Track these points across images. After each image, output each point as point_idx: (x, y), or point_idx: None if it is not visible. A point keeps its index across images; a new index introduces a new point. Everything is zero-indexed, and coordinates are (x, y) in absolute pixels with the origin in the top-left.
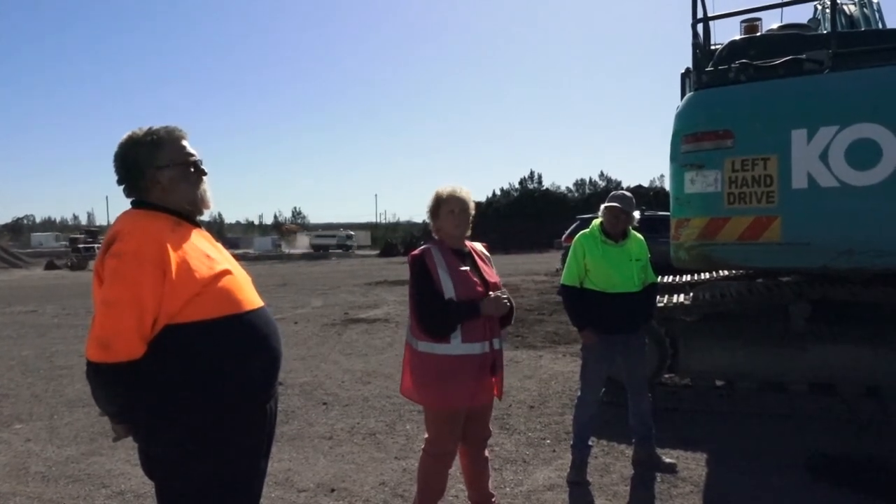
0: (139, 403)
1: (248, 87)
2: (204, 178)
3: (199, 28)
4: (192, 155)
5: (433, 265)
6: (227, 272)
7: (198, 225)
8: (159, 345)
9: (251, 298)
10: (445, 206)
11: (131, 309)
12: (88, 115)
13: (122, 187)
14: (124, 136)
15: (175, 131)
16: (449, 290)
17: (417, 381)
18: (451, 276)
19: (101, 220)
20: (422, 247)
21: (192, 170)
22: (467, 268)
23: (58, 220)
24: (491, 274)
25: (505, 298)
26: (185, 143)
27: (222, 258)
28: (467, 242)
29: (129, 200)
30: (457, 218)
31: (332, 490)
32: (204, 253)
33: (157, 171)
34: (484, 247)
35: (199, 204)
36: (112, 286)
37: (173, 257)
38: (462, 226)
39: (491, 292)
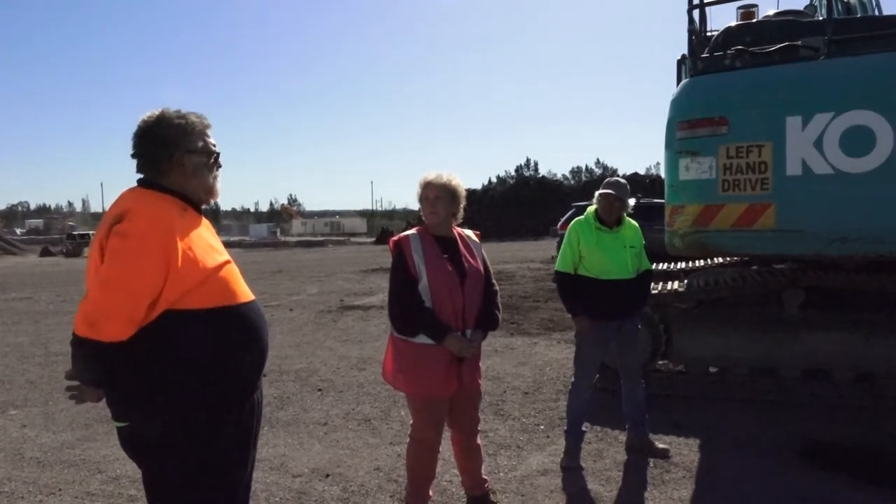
0: (130, 385)
1: (243, 76)
2: (218, 170)
3: (194, 16)
4: (215, 145)
5: (409, 251)
6: (228, 263)
7: (201, 213)
8: (157, 328)
9: (245, 291)
10: (422, 192)
11: (127, 292)
12: (83, 102)
13: (138, 162)
14: (154, 112)
15: (205, 119)
16: (422, 277)
17: (396, 367)
18: (426, 262)
19: (95, 207)
20: (403, 233)
21: (213, 160)
22: (445, 255)
23: (52, 206)
24: (473, 262)
25: (475, 346)
26: (210, 132)
27: (222, 248)
28: (457, 229)
29: (135, 179)
30: (431, 205)
31: (327, 475)
32: (208, 242)
33: (186, 155)
34: (476, 235)
35: (211, 194)
36: (112, 266)
37: (180, 245)
38: (438, 213)
39: (468, 330)
